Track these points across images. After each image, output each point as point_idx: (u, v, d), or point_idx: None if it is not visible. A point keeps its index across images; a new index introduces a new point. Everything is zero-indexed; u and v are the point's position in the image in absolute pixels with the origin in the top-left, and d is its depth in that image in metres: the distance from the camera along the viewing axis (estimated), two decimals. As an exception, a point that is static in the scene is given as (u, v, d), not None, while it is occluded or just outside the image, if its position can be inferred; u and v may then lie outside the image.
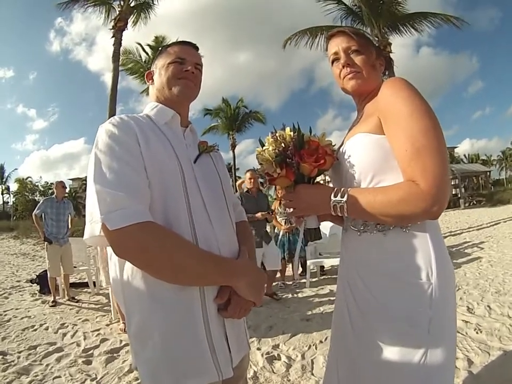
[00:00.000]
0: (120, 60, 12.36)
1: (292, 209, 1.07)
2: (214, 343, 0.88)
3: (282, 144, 0.99)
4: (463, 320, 3.07)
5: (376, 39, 11.28)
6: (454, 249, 7.37)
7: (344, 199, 0.93)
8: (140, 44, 16.30)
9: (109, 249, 0.95)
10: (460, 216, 15.97)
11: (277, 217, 5.20)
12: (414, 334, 0.92)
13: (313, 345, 2.88)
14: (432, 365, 0.90)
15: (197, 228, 0.90)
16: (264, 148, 1.02)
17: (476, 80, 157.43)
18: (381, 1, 11.26)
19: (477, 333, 2.78)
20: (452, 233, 10.27)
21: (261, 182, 5.55)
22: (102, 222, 0.77)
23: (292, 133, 1.00)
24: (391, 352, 0.92)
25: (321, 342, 2.91)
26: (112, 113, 10.85)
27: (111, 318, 4.01)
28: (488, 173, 34.62)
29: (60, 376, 2.55)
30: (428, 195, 0.82)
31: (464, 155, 63.28)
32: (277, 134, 1.00)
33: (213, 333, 0.88)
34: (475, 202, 23.28)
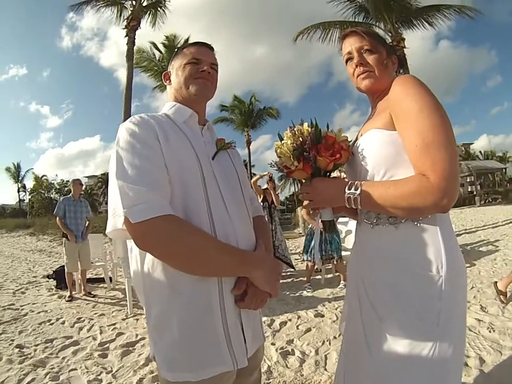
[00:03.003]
0: (134, 58, 12.47)
1: (308, 202, 1.11)
2: (230, 333, 0.91)
3: (300, 139, 1.03)
4: (476, 319, 3.03)
5: (390, 34, 11.12)
6: (469, 247, 7.27)
7: (358, 191, 0.97)
8: (153, 43, 16.43)
9: (129, 243, 0.99)
10: (475, 213, 15.68)
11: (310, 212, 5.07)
12: (423, 326, 0.94)
13: (327, 340, 2.89)
14: (441, 357, 0.92)
15: (215, 222, 0.93)
16: (282, 141, 1.07)
17: (494, 75, 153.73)
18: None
19: (489, 331, 2.75)
20: (467, 231, 10.10)
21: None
22: (124, 215, 0.80)
23: (309, 128, 1.04)
24: (400, 344, 0.95)
25: (334, 337, 2.92)
26: (127, 113, 10.92)
27: (127, 312, 4.08)
28: (504, 170, 33.79)
29: (75, 369, 2.60)
30: (437, 188, 0.85)
31: (480, 152, 61.99)
32: (295, 129, 1.05)
33: (229, 324, 0.91)
34: (490, 200, 22.80)
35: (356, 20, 12.14)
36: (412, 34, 12.34)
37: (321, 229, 1.18)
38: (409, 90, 0.95)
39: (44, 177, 47.33)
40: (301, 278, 5.42)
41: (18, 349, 3.03)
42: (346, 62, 1.16)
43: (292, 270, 5.91)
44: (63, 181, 45.42)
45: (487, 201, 22.56)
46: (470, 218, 13.95)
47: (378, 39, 1.13)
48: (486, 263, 5.51)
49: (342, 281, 4.72)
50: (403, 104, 0.95)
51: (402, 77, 1.02)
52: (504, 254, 6.12)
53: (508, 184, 38.10)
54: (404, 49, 10.63)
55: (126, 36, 11.93)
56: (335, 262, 4.74)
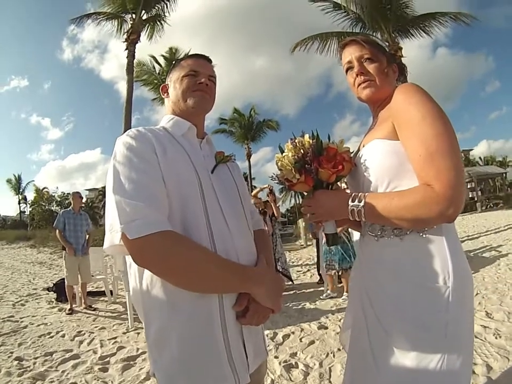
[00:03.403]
0: (134, 72, 12.59)
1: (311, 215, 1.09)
2: (231, 350, 0.89)
3: (301, 151, 1.02)
4: (481, 325, 3.01)
5: (387, 44, 11.22)
6: (472, 253, 7.24)
7: (362, 203, 0.95)
8: (153, 57, 16.61)
9: (128, 258, 0.98)
10: (477, 219, 15.65)
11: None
12: (430, 339, 0.92)
13: (331, 353, 2.86)
14: (450, 369, 0.89)
15: (215, 237, 0.92)
16: (283, 154, 1.06)
17: (492, 80, 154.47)
18: (388, 6, 11.20)
19: (496, 338, 2.72)
20: (470, 237, 10.07)
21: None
22: (121, 231, 0.79)
23: (310, 140, 1.03)
24: (407, 357, 0.92)
25: (339, 350, 2.88)
26: (127, 126, 11.02)
27: (128, 326, 4.04)
28: (504, 175, 33.81)
29: (75, 383, 2.57)
30: (442, 198, 0.83)
31: (480, 157, 62.02)
32: (296, 141, 1.04)
33: (231, 340, 0.89)
34: (492, 205, 22.80)
35: (353, 31, 12.27)
36: (409, 43, 12.47)
37: (325, 242, 1.17)
38: (412, 99, 0.94)
39: (45, 190, 47.38)
40: (303, 290, 5.38)
41: (17, 361, 3.02)
42: (347, 71, 1.15)
43: (295, 281, 5.86)
44: (64, 193, 45.32)
45: (488, 207, 22.56)
46: (472, 224, 13.93)
47: (379, 48, 1.13)
48: (490, 269, 5.48)
49: (345, 293, 4.67)
50: (405, 112, 0.94)
51: (404, 85, 1.00)
52: (507, 259, 6.09)
53: (509, 189, 38.14)
54: (402, 58, 10.74)
55: (126, 49, 12.08)
56: (336, 273, 4.69)
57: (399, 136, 0.96)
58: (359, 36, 1.15)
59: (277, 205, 5.77)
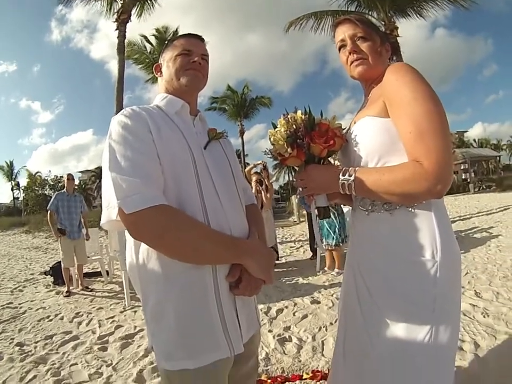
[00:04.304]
0: (125, 52, 12.31)
1: (303, 188, 1.12)
2: (225, 320, 0.92)
3: (294, 126, 1.04)
4: (470, 304, 3.09)
5: (383, 23, 11.05)
6: (463, 233, 7.37)
7: (352, 177, 0.97)
8: (144, 36, 16.24)
9: (125, 235, 1.00)
10: (469, 200, 15.81)
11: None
12: (419, 313, 0.95)
13: (324, 327, 2.94)
14: (437, 343, 0.94)
15: (209, 212, 0.94)
16: (276, 129, 1.08)
17: (490, 64, 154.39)
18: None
19: (484, 317, 2.80)
20: (461, 218, 10.20)
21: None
22: (118, 206, 0.81)
23: (302, 116, 1.05)
24: (397, 331, 0.96)
25: (331, 324, 2.97)
26: (119, 106, 10.77)
27: (125, 305, 4.11)
28: (498, 158, 34.02)
29: (76, 364, 2.61)
30: (431, 174, 0.86)
31: (474, 140, 62.23)
32: (289, 116, 1.06)
33: (225, 310, 0.92)
34: (485, 187, 22.99)
35: (349, 9, 12.04)
36: (407, 22, 12.28)
37: (316, 215, 1.20)
38: (403, 78, 0.95)
39: (38, 174, 46.90)
40: (296, 266, 5.50)
41: (18, 347, 3.05)
42: (339, 49, 1.16)
43: (288, 257, 5.95)
44: (57, 176, 44.79)
45: (481, 189, 22.75)
46: (464, 205, 14.08)
47: (372, 27, 1.13)
48: (480, 249, 5.59)
49: (336, 268, 4.76)
50: (397, 91, 0.95)
51: (396, 65, 1.01)
52: (498, 240, 6.21)
53: (502, 172, 38.43)
54: (397, 37, 10.59)
55: (116, 29, 11.74)
56: (331, 248, 4.77)
57: (390, 114, 0.98)
58: (352, 15, 1.15)
59: (270, 181, 5.76)
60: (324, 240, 4.77)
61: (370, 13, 11.63)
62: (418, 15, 11.86)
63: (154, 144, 0.91)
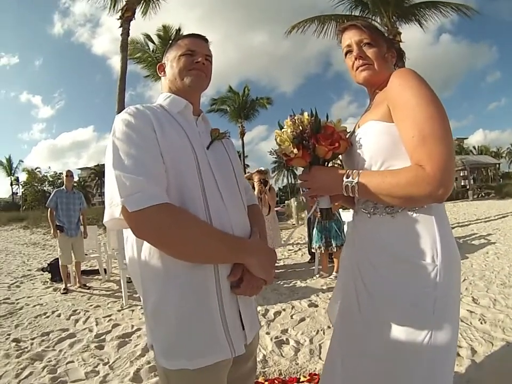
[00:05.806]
0: (128, 49, 12.31)
1: (306, 189, 1.13)
2: (227, 321, 0.92)
3: (300, 127, 1.05)
4: (468, 310, 3.09)
5: (386, 28, 11.09)
6: (462, 240, 7.37)
7: (356, 180, 0.98)
8: (147, 35, 16.24)
9: (125, 232, 1.00)
10: (468, 207, 15.85)
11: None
12: (419, 315, 0.96)
13: (321, 330, 2.94)
14: (436, 346, 0.94)
15: (211, 211, 0.94)
16: (282, 130, 1.09)
17: (494, 71, 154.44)
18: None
19: (481, 323, 2.80)
20: (460, 224, 10.22)
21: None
22: (122, 204, 0.81)
23: (309, 118, 1.06)
24: (396, 333, 0.97)
25: (329, 327, 2.96)
26: (121, 104, 10.74)
27: (122, 304, 4.10)
28: (497, 165, 34.13)
29: (72, 361, 2.60)
30: (433, 178, 0.87)
31: (474, 147, 62.37)
32: (296, 118, 1.07)
33: (227, 311, 0.93)
34: (483, 194, 23.03)
35: (353, 14, 12.08)
36: (412, 27, 12.34)
37: (319, 217, 1.21)
38: (407, 83, 0.97)
39: (37, 170, 46.83)
40: (294, 269, 5.50)
41: (15, 343, 3.04)
42: (346, 55, 1.17)
43: (286, 260, 5.93)
44: (56, 173, 44.64)
45: (480, 196, 22.79)
46: (463, 212, 14.12)
47: (378, 33, 1.14)
48: (478, 256, 5.60)
49: (334, 272, 4.75)
50: (401, 96, 0.96)
51: (401, 70, 1.03)
52: (496, 247, 6.22)
53: (501, 180, 38.49)
54: (400, 43, 10.61)
55: (120, 27, 11.74)
56: (333, 250, 4.76)
57: (394, 118, 0.99)
58: (359, 21, 1.16)
59: (270, 184, 5.64)
60: (334, 241, 4.74)
61: (373, 18, 11.68)
62: (420, 22, 11.90)
63: (158, 142, 0.91)
